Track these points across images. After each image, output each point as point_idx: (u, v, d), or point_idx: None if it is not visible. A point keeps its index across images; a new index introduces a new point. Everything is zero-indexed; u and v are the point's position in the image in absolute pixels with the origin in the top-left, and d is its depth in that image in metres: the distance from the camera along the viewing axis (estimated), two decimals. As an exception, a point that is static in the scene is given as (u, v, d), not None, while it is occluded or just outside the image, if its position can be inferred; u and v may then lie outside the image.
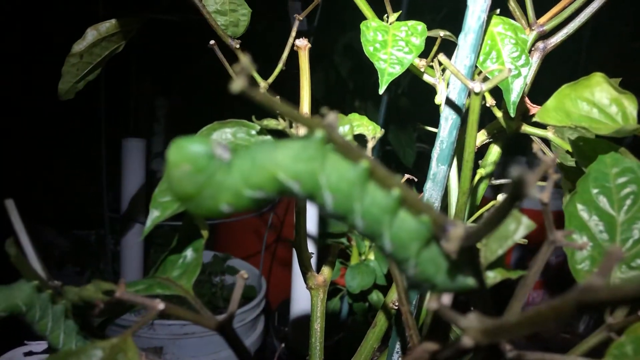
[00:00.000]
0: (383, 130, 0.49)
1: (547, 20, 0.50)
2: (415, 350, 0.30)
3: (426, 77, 0.50)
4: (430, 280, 0.24)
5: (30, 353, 0.45)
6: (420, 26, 0.48)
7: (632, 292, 0.18)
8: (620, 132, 0.40)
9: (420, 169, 1.25)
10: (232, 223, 1.35)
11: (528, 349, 0.30)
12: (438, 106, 0.48)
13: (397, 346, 0.50)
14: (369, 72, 1.22)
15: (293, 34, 0.51)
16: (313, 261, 0.55)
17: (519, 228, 0.30)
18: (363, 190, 0.23)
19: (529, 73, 0.47)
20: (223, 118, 0.47)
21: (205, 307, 0.37)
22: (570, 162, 0.53)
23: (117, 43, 0.57)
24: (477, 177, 0.53)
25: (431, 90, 0.51)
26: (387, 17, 0.50)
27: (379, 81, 0.45)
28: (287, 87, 0.50)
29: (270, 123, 0.44)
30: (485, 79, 0.38)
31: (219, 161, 0.22)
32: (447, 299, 0.26)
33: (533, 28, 0.50)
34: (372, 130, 0.48)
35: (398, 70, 0.46)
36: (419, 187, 0.50)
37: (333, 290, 1.03)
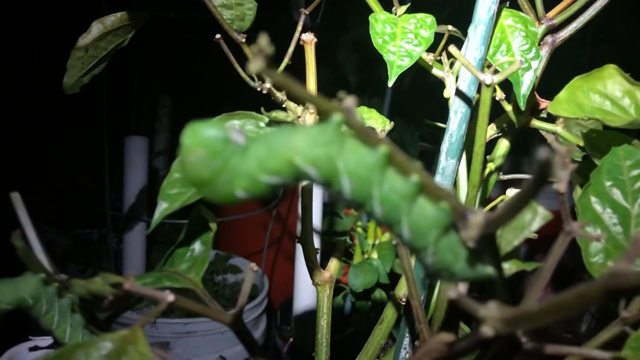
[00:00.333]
0: (392, 123, 0.48)
1: (556, 14, 0.49)
2: (430, 342, 0.29)
3: (435, 71, 0.50)
4: (449, 268, 0.24)
5: (35, 348, 0.44)
6: (429, 19, 0.48)
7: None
8: (633, 124, 0.39)
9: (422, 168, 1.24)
10: (233, 222, 1.35)
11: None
12: (440, 105, 0.47)
13: (405, 342, 0.50)
14: (372, 69, 1.22)
15: (299, 28, 0.50)
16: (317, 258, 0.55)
17: (535, 218, 0.29)
18: (382, 176, 0.22)
19: (539, 66, 0.47)
20: (227, 116, 0.47)
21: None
22: (578, 157, 0.53)
23: (123, 37, 0.56)
24: (486, 171, 0.52)
25: (434, 89, 0.50)
26: (395, 10, 0.49)
27: (388, 73, 0.45)
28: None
29: (279, 115, 0.44)
30: (496, 72, 0.38)
31: (234, 146, 0.22)
32: (463, 287, 0.25)
33: (542, 22, 0.49)
34: (381, 123, 0.47)
35: (407, 63, 0.45)
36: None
37: (336, 288, 1.03)
